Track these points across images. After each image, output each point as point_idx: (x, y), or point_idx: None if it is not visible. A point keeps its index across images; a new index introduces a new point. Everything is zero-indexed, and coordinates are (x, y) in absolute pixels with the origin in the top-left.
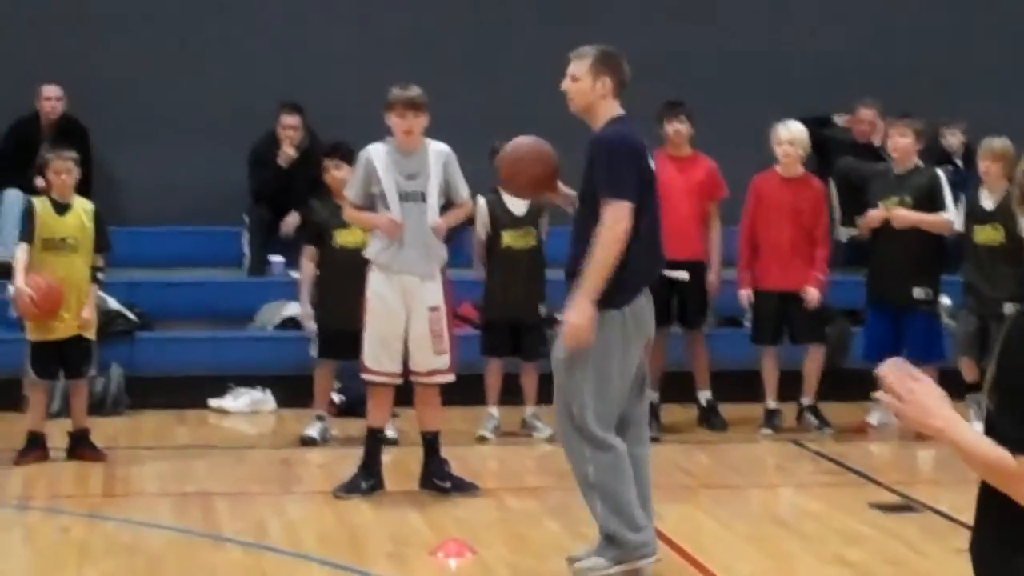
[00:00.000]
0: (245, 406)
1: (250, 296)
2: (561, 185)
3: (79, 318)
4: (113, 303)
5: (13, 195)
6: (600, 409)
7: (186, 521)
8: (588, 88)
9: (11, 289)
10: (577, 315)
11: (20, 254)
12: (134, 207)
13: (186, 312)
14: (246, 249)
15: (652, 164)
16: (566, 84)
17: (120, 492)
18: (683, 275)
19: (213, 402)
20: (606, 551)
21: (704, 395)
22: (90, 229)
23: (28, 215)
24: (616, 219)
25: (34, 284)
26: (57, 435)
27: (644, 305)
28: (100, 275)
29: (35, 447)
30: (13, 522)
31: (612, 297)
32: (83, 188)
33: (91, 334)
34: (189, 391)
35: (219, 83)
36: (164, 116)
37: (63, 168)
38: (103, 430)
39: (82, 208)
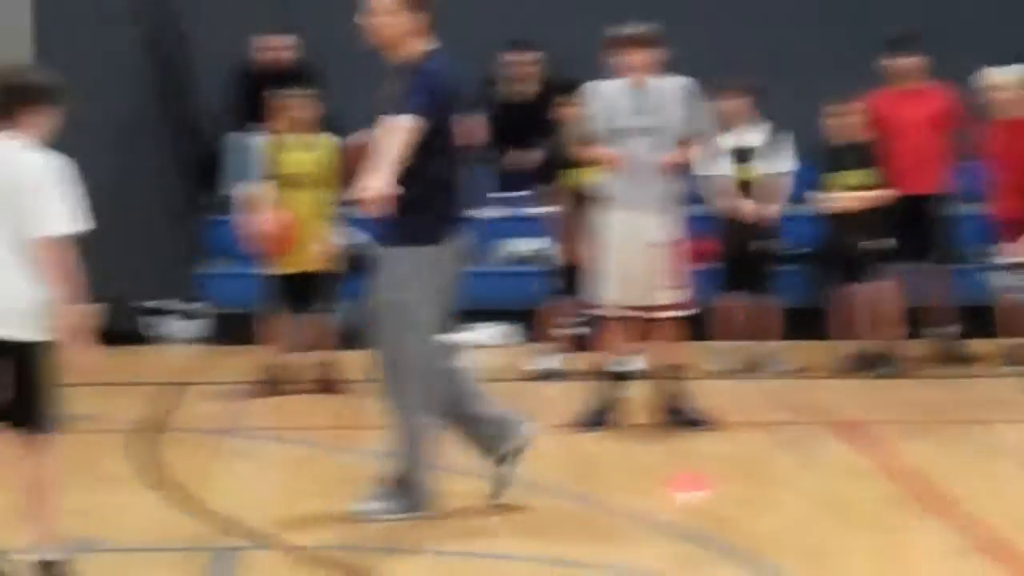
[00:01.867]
0: (483, 339)
1: (486, 232)
2: None
3: (318, 252)
4: (352, 238)
5: (245, 136)
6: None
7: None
8: (389, 23)
9: (251, 224)
10: (376, 180)
11: (259, 190)
12: None
13: None
14: (473, 185)
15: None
16: (362, 18)
17: (364, 424)
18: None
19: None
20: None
21: (948, 330)
22: (327, 165)
23: (267, 152)
24: (410, 128)
25: (273, 219)
26: (297, 368)
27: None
28: (339, 210)
29: (274, 380)
30: (261, 451)
31: (419, 234)
32: (319, 129)
33: (330, 268)
34: None
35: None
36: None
37: (300, 104)
38: (348, 363)
39: (322, 143)
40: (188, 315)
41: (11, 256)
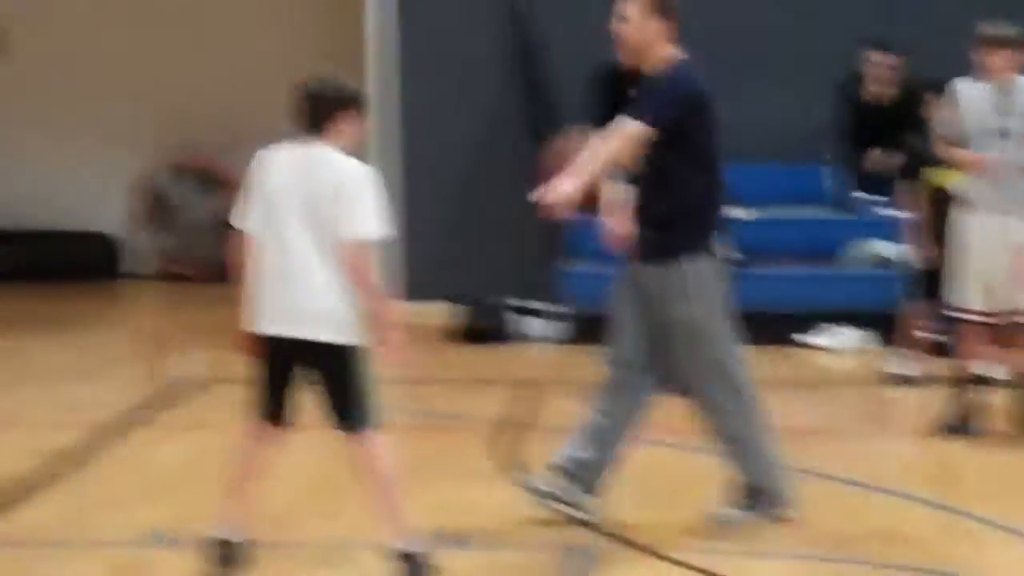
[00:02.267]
0: (834, 343)
1: (834, 233)
2: None
3: None
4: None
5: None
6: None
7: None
8: (638, 29)
9: (608, 224)
10: (563, 183)
11: (617, 190)
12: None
13: (773, 249)
14: (830, 186)
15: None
16: (615, 25)
17: None
18: None
19: (799, 338)
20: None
21: None
22: None
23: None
24: (627, 134)
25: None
26: None
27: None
28: None
29: None
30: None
31: (687, 244)
32: None
33: None
34: (774, 327)
35: (798, 23)
36: (746, 57)
37: None
38: None
39: None
40: (549, 315)
41: (320, 261)
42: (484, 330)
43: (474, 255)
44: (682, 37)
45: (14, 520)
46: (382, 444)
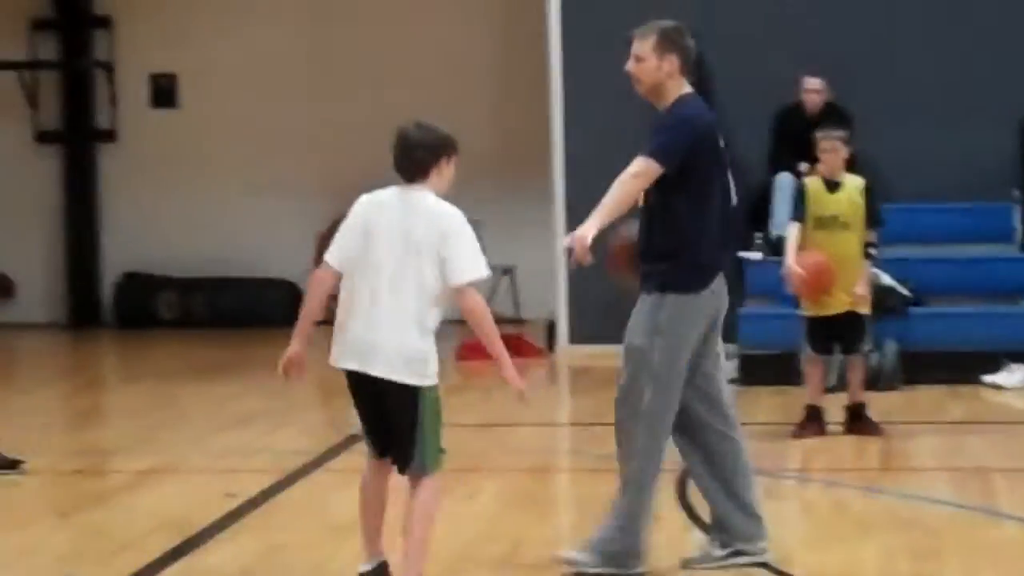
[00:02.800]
0: (1020, 382)
1: (1022, 272)
2: None
3: (853, 294)
4: (886, 279)
5: (785, 178)
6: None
7: (963, 496)
8: (654, 67)
9: (785, 267)
10: (583, 230)
11: (792, 232)
12: (901, 184)
13: (956, 287)
14: (1017, 224)
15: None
16: (630, 65)
17: (896, 466)
18: None
19: (987, 378)
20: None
21: None
22: (861, 205)
23: (799, 195)
24: (639, 173)
25: (806, 262)
26: (834, 409)
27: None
28: (873, 251)
29: (813, 420)
30: (791, 493)
31: (688, 282)
32: (850, 170)
33: (865, 309)
34: (961, 366)
35: (983, 61)
36: (926, 94)
37: (831, 147)
38: (879, 404)
39: (853, 185)
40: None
41: (412, 305)
42: None
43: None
44: (876, 84)
45: (198, 564)
46: (436, 491)
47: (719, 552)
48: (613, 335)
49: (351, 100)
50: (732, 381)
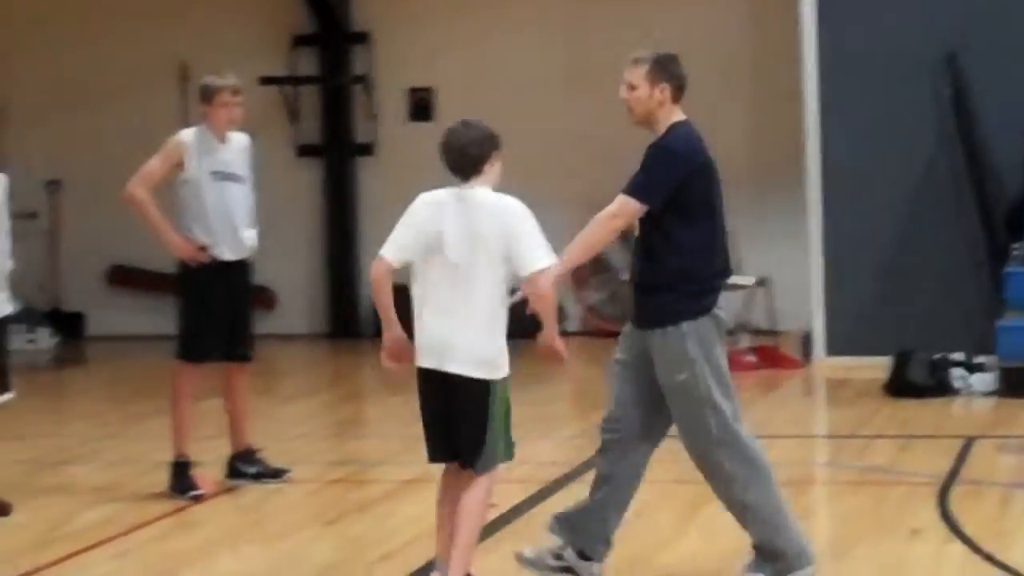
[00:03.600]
0: None
1: None
2: None
3: None
4: None
5: None
6: (732, 410)
7: None
8: (646, 96)
9: None
10: (546, 281)
11: None
12: None
13: None
14: None
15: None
16: (624, 92)
17: None
18: None
19: None
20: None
21: None
22: None
23: None
24: (619, 213)
25: None
26: None
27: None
28: None
29: None
30: None
31: (699, 307)
32: None
33: None
34: None
35: None
36: None
37: None
38: None
39: None
40: (979, 367)
41: (484, 302)
42: (914, 384)
43: (899, 307)
44: None
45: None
46: (489, 488)
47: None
48: (871, 346)
49: (607, 110)
50: (991, 394)
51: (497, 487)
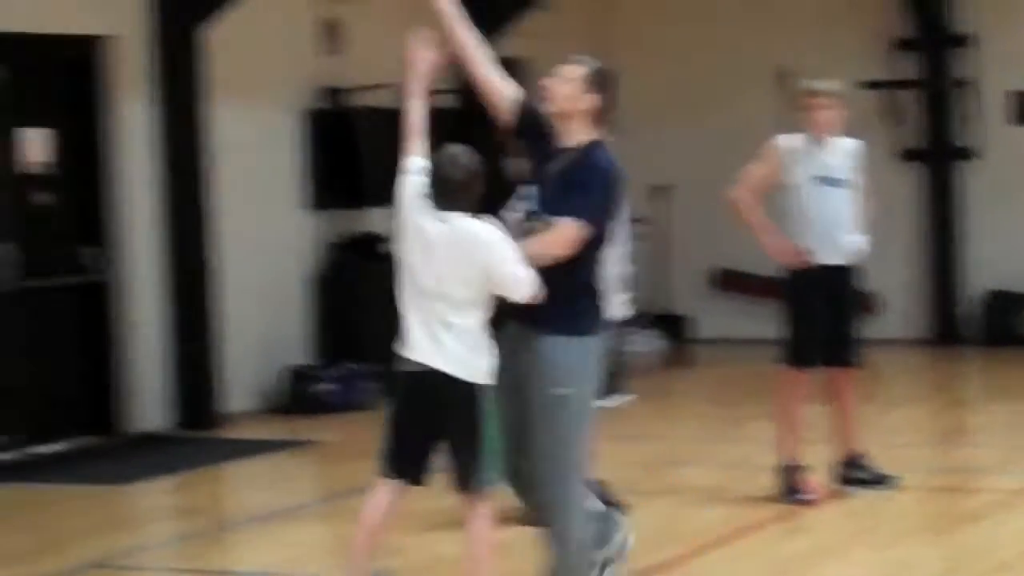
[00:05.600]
0: None
1: None
2: None
3: None
4: None
5: None
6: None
7: None
8: (573, 96)
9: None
10: None
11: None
12: None
13: None
14: None
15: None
16: (548, 81)
17: None
18: None
19: None
20: None
21: None
22: None
23: None
24: (573, 240)
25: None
26: None
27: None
28: None
29: None
30: None
31: (591, 325)
32: None
33: None
34: None
35: None
36: None
37: None
38: None
39: None
40: None
41: (463, 316)
42: None
43: None
44: None
45: None
46: (491, 519)
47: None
48: None
49: None
50: None
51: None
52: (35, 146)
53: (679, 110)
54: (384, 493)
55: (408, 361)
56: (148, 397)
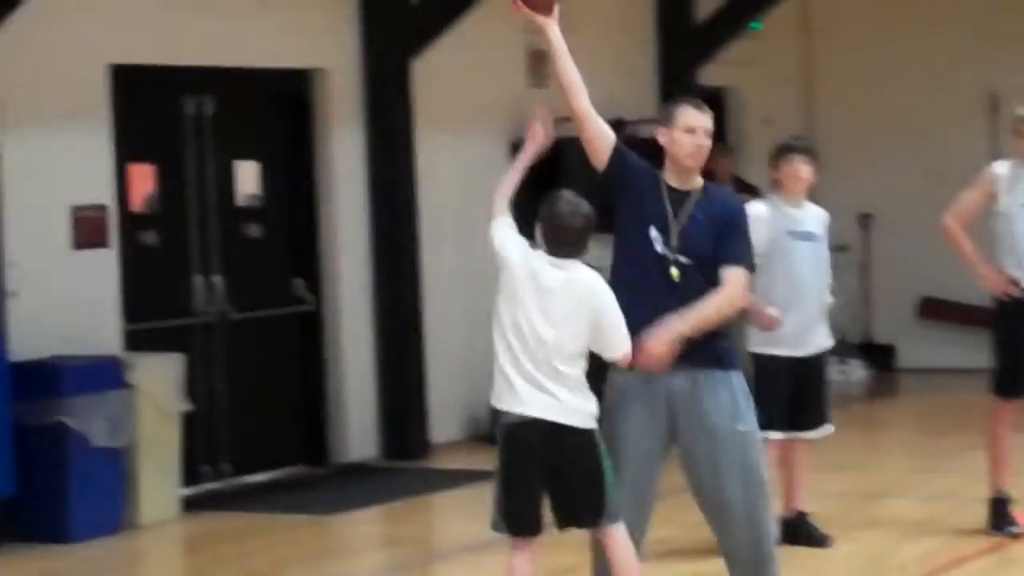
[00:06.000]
0: None
1: None
2: None
3: None
4: None
5: None
6: None
7: None
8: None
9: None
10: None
11: None
12: None
13: None
14: None
15: None
16: (701, 139)
17: None
18: None
19: None
20: None
21: None
22: None
23: None
24: (741, 283)
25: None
26: None
27: None
28: None
29: None
30: None
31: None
32: None
33: None
34: None
35: None
36: None
37: None
38: None
39: None
40: None
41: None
42: None
43: None
44: None
45: None
46: (626, 541)
47: None
48: None
49: None
50: None
51: None
52: (246, 179)
53: (884, 136)
54: (520, 557)
55: (511, 415)
56: (357, 427)
